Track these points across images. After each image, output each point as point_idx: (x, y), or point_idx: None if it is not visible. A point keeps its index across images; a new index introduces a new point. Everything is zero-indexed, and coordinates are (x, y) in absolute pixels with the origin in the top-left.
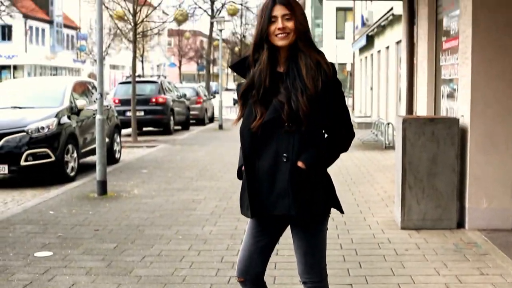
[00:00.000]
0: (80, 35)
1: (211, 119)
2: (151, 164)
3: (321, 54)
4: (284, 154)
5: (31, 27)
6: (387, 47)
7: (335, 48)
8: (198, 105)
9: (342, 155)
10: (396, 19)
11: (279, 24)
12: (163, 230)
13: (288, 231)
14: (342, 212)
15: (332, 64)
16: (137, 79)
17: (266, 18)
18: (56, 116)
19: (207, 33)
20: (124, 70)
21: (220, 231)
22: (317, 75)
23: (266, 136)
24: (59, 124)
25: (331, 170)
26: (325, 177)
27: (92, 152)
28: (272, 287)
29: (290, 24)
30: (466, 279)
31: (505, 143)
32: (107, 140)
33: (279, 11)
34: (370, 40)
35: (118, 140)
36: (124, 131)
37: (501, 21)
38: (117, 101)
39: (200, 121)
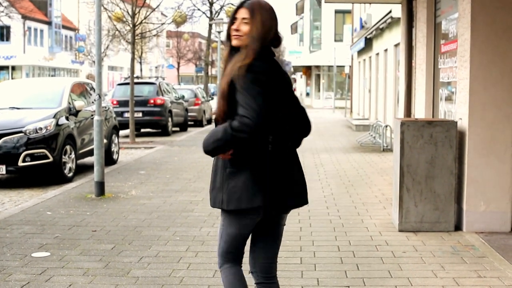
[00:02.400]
0: (79, 36)
1: (209, 121)
2: (149, 165)
3: (246, 59)
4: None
5: (29, 28)
6: (386, 50)
7: (334, 51)
8: (196, 107)
9: (341, 158)
10: (394, 22)
11: (235, 25)
12: (161, 231)
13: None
14: None
15: (241, 67)
16: (136, 80)
17: (230, 19)
18: (54, 117)
19: (206, 35)
20: (123, 72)
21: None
22: (229, 77)
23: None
24: (57, 125)
25: (330, 172)
26: None
27: (90, 153)
28: None
29: (245, 28)
30: (463, 282)
31: (503, 146)
32: (105, 141)
33: (240, 13)
34: (368, 43)
35: (116, 141)
36: (122, 132)
37: (500, 24)
38: (115, 102)
39: (198, 123)
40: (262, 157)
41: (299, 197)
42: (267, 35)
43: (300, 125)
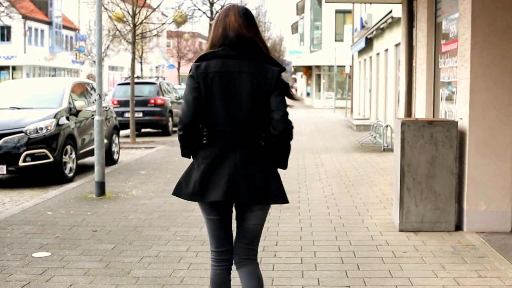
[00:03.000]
0: (79, 36)
1: None
2: (150, 165)
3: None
4: None
5: (30, 28)
6: (386, 50)
7: (334, 51)
8: None
9: (341, 158)
10: (395, 21)
11: None
12: (161, 231)
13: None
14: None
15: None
16: (136, 80)
17: None
18: (55, 117)
19: (206, 34)
20: (123, 72)
21: None
22: None
23: None
24: (57, 125)
25: (330, 171)
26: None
27: (91, 153)
28: None
29: None
30: (464, 282)
31: (504, 145)
32: (105, 141)
33: None
34: (369, 43)
35: (116, 141)
36: (122, 132)
37: (500, 24)
38: (115, 102)
39: None
40: (196, 150)
41: (242, 192)
42: (212, 39)
43: (271, 126)
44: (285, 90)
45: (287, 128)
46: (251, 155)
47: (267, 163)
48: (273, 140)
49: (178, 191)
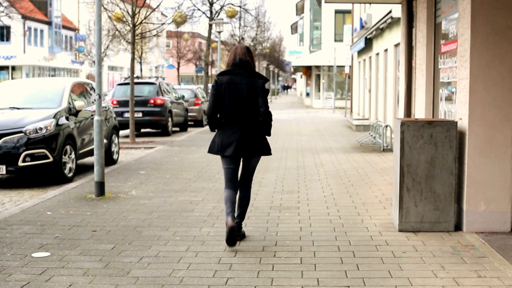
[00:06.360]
0: (79, 36)
1: None
2: (149, 165)
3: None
4: None
5: (29, 28)
6: (386, 50)
7: (334, 51)
8: (196, 107)
9: (341, 158)
10: (394, 22)
11: None
12: (161, 231)
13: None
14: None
15: None
16: (136, 80)
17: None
18: (54, 117)
19: (206, 35)
20: (123, 72)
21: (218, 232)
22: None
23: None
24: (57, 125)
25: (330, 172)
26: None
27: (90, 153)
28: None
29: None
30: (463, 282)
31: (503, 145)
32: (105, 141)
33: None
34: (368, 43)
35: (116, 141)
36: (122, 132)
37: (500, 24)
38: (115, 102)
39: (198, 123)
40: (218, 127)
41: (243, 150)
42: (228, 62)
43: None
44: (266, 94)
45: (268, 116)
46: (248, 130)
47: (257, 133)
48: (261, 122)
49: (210, 150)
